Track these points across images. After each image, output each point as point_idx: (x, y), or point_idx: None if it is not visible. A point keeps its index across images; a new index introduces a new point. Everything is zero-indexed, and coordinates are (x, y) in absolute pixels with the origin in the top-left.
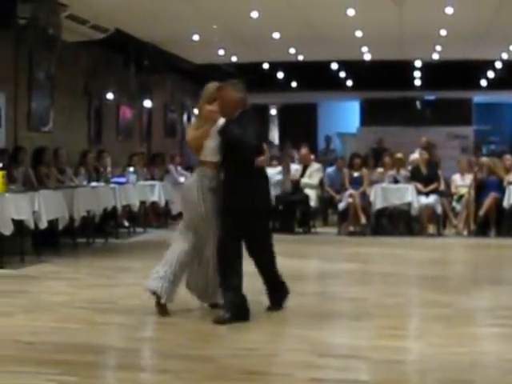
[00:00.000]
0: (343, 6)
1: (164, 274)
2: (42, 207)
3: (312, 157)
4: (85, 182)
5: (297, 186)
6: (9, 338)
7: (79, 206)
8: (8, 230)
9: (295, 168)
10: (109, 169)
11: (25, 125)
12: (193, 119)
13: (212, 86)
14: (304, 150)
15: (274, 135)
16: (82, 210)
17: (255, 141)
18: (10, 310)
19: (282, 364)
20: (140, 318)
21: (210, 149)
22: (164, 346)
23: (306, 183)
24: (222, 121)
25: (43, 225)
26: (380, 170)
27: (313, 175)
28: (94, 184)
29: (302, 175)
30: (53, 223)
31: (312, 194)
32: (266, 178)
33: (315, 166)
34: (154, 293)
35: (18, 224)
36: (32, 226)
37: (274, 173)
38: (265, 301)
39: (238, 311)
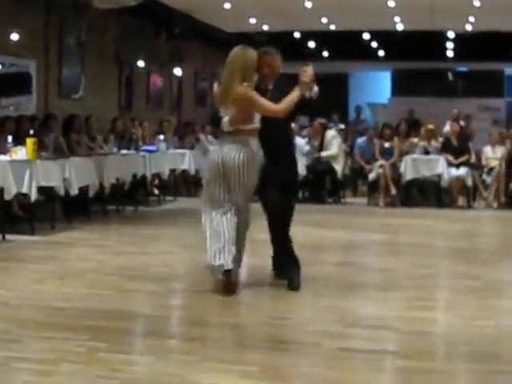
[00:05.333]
0: None
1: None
2: (73, 174)
3: (332, 125)
4: (115, 150)
5: (318, 159)
6: (40, 304)
7: (109, 174)
8: (33, 196)
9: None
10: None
11: (56, 92)
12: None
13: (254, 53)
14: (316, 124)
15: None
16: (111, 177)
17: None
18: (40, 276)
19: (311, 333)
20: (169, 285)
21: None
22: (193, 313)
23: (325, 157)
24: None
25: (74, 191)
26: (414, 140)
27: (328, 146)
28: (124, 152)
29: (320, 149)
30: (83, 190)
31: (337, 166)
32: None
33: (329, 135)
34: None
35: (49, 191)
36: (62, 192)
37: (303, 142)
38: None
39: None
